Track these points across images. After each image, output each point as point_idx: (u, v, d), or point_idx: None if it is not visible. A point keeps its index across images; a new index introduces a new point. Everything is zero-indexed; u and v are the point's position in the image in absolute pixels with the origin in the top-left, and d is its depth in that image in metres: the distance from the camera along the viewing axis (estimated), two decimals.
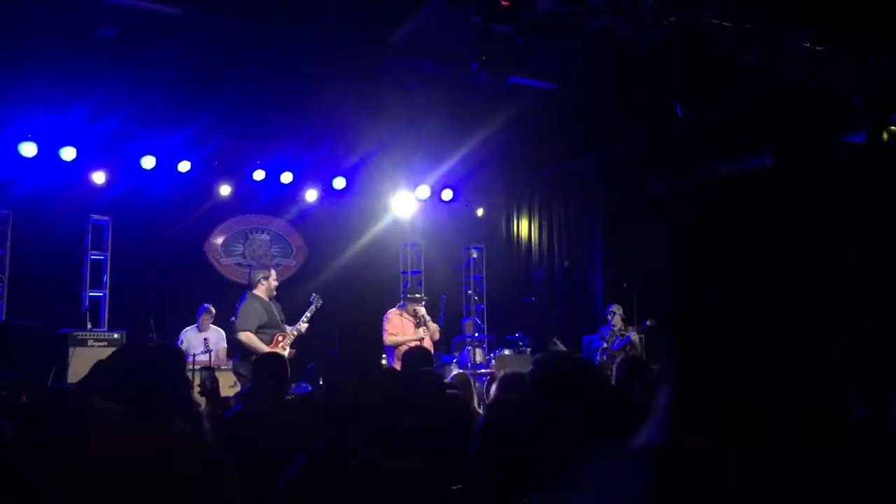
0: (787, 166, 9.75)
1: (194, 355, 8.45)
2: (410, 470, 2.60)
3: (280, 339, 7.71)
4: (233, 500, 2.60)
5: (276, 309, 7.83)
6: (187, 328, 9.59)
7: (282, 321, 7.85)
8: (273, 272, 8.00)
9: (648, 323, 10.14)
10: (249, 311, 7.60)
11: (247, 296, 7.80)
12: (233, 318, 9.42)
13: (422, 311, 8.65)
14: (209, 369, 5.63)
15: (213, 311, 9.63)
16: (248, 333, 7.47)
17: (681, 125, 8.78)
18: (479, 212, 12.97)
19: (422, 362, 5.13)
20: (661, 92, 8.07)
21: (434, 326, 8.81)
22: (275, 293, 7.90)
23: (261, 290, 7.80)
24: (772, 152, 9.85)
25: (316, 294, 8.38)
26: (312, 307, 8.20)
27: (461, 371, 9.66)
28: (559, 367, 1.75)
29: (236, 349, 7.98)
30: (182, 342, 9.36)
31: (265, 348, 7.32)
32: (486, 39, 6.15)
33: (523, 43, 6.25)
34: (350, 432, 2.61)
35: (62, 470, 2.49)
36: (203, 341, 9.10)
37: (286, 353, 7.57)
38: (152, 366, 2.94)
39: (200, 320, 9.56)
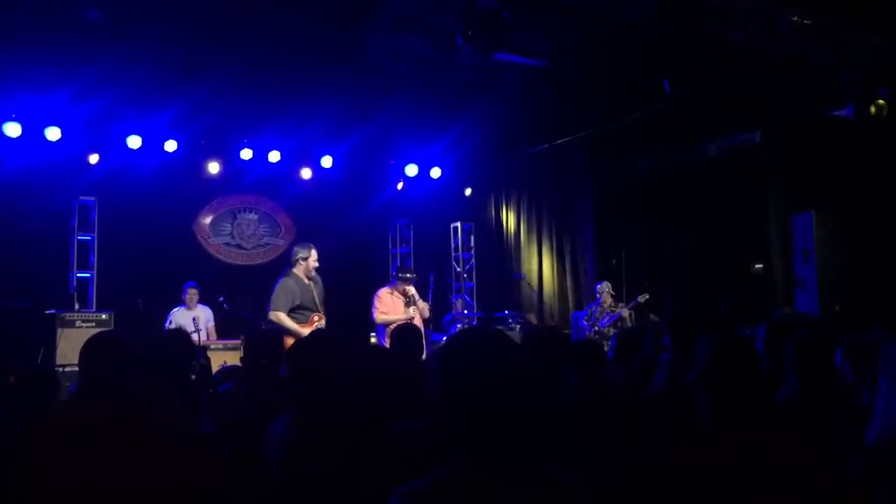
0: (776, 142, 9.78)
1: None
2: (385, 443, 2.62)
3: (316, 318, 7.69)
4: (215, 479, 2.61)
5: (314, 289, 7.78)
6: (175, 309, 9.55)
7: (321, 301, 7.81)
8: (313, 251, 7.84)
9: (639, 299, 10.16)
10: (281, 292, 7.59)
11: (284, 275, 7.78)
12: (221, 298, 9.47)
13: (411, 290, 8.65)
14: (201, 348, 5.63)
15: (198, 288, 9.60)
16: (278, 313, 7.49)
17: (669, 101, 8.78)
18: (468, 190, 12.93)
19: (410, 339, 5.13)
20: (649, 68, 8.05)
21: (423, 305, 8.81)
22: (314, 273, 7.82)
23: (299, 270, 7.75)
24: (760, 128, 9.87)
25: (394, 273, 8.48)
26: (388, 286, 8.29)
27: None
28: (462, 342, 1.71)
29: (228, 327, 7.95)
30: (170, 323, 9.34)
31: (296, 328, 7.32)
32: (471, 14, 6.11)
33: (510, 18, 6.21)
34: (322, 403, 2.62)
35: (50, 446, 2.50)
36: (192, 321, 9.10)
37: None
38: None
39: (186, 299, 9.52)
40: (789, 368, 3.58)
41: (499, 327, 10.71)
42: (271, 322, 7.53)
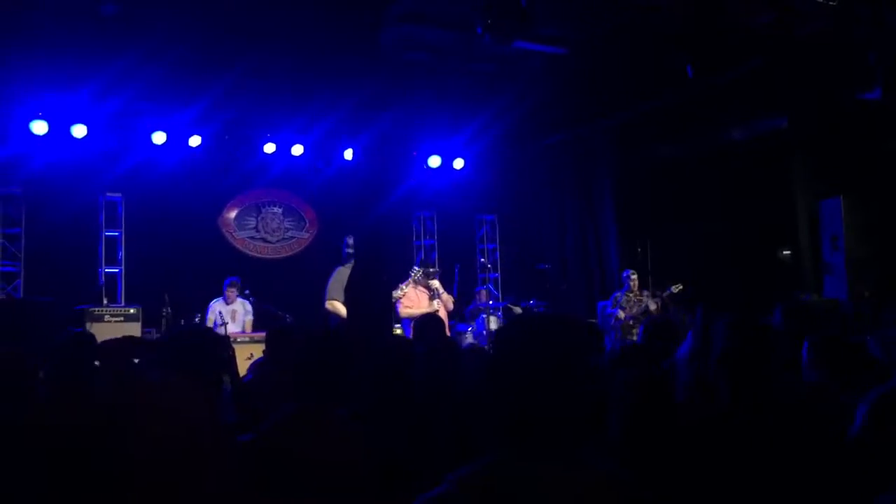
0: (803, 127, 9.63)
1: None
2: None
3: None
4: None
5: None
6: (215, 300, 9.69)
7: None
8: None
9: (673, 288, 10.03)
10: (336, 282, 7.88)
11: (338, 268, 8.07)
12: (247, 291, 9.58)
13: (435, 283, 8.66)
14: (225, 339, 5.70)
15: (238, 283, 9.72)
16: (334, 302, 7.80)
17: (692, 87, 8.68)
18: (491, 180, 12.87)
19: (433, 328, 5.12)
20: (671, 54, 7.97)
21: (448, 297, 8.82)
22: None
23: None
24: (786, 114, 9.73)
25: (417, 268, 8.55)
26: (410, 280, 8.37)
27: (474, 342, 9.73)
28: (517, 329, 1.69)
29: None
30: (209, 313, 9.49)
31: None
32: (490, 2, 6.08)
33: (529, 5, 6.17)
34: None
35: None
36: (219, 314, 9.24)
37: None
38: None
39: (226, 293, 9.66)
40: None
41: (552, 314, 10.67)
42: (328, 311, 7.74)
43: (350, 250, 8.05)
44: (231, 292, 9.71)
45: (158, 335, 8.65)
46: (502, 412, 1.59)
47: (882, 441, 1.92)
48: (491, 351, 1.71)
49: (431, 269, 8.73)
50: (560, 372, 1.57)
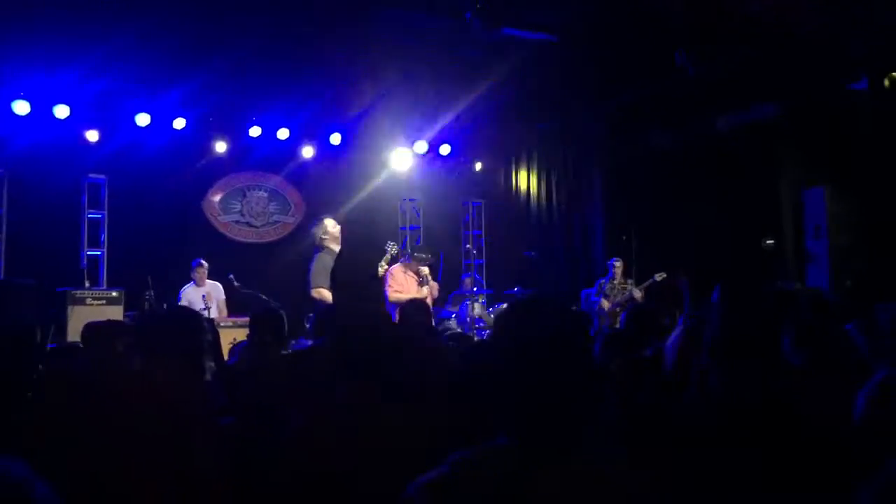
0: (790, 116, 9.67)
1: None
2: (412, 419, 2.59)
3: None
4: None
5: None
6: (186, 286, 9.59)
7: None
8: (327, 221, 7.94)
9: (656, 277, 10.06)
10: (320, 269, 7.68)
11: (318, 251, 7.85)
12: (231, 276, 9.50)
13: (425, 270, 8.64)
14: (209, 321, 5.65)
15: (206, 264, 9.62)
16: (320, 290, 7.59)
17: (681, 76, 8.70)
18: (478, 166, 12.90)
19: (419, 314, 5.12)
20: (661, 42, 7.97)
21: (434, 284, 8.82)
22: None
23: (330, 244, 7.81)
24: (774, 103, 9.75)
25: (392, 242, 8.45)
26: (388, 255, 8.26)
27: (457, 330, 9.73)
28: (514, 312, 1.67)
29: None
30: (182, 300, 9.37)
31: None
32: None
33: None
34: (351, 383, 2.60)
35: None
36: (202, 297, 9.16)
37: None
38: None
39: (195, 276, 9.54)
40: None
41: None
42: (314, 300, 7.59)
43: (325, 234, 7.89)
44: (200, 274, 9.52)
45: (139, 318, 8.58)
46: (502, 398, 1.57)
47: (885, 429, 1.93)
48: (489, 336, 1.69)
49: (424, 256, 8.69)
50: (562, 359, 1.56)
